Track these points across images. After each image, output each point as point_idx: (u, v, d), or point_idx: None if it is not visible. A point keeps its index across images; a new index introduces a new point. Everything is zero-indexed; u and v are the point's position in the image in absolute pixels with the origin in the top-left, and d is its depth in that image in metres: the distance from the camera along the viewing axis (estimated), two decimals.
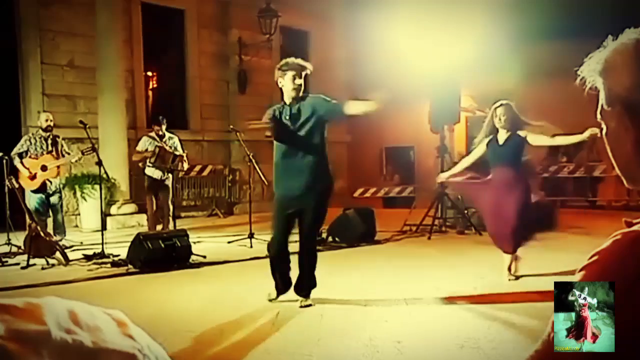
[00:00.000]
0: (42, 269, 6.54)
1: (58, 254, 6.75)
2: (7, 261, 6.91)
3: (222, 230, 9.66)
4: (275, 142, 4.81)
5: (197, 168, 12.36)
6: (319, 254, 5.01)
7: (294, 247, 4.92)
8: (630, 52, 0.89)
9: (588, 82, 0.94)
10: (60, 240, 7.54)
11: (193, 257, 6.85)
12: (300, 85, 4.73)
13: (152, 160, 7.99)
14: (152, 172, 8.06)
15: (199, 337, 4.12)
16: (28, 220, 6.97)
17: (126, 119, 10.87)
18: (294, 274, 4.92)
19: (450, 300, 5.04)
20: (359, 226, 8.24)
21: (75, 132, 9.03)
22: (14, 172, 7.54)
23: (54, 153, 7.73)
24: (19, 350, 0.60)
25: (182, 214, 11.45)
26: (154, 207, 8.24)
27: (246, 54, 13.06)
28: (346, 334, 4.14)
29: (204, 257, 7.02)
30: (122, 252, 6.88)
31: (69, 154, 7.94)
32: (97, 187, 9.30)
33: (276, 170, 4.84)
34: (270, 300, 4.96)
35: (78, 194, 10.23)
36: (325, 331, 4.21)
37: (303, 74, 4.74)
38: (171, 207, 8.19)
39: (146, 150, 8.08)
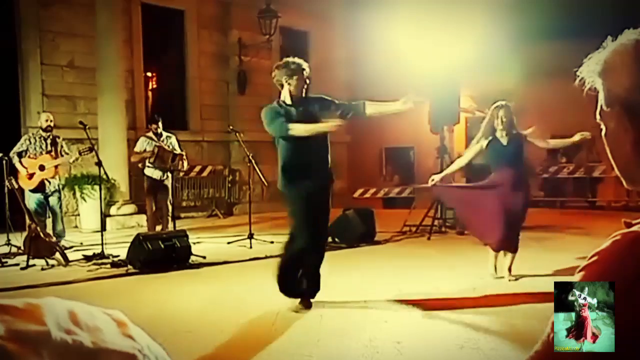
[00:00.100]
0: (42, 269, 6.54)
1: (58, 255, 6.76)
2: (6, 262, 6.91)
3: (222, 231, 9.66)
4: (283, 141, 4.65)
5: (197, 168, 12.36)
6: None
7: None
8: (629, 52, 0.89)
9: (587, 83, 0.94)
10: (60, 240, 7.53)
11: (193, 258, 6.85)
12: (308, 83, 4.74)
13: (151, 160, 7.97)
14: (152, 172, 8.05)
15: (199, 337, 4.12)
16: (28, 221, 6.96)
17: (126, 119, 10.87)
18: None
19: (450, 300, 5.04)
20: (358, 227, 8.25)
21: (75, 133, 9.03)
22: (14, 172, 7.54)
23: (52, 153, 7.72)
24: (18, 351, 0.60)
25: (182, 215, 11.45)
26: (154, 208, 8.23)
27: (246, 54, 13.06)
28: (346, 334, 4.14)
29: (204, 257, 7.02)
30: (122, 253, 6.88)
31: (68, 154, 7.94)
32: (96, 187, 9.29)
33: (292, 168, 4.66)
34: (297, 312, 4.69)
35: (78, 194, 10.23)
36: (325, 332, 4.21)
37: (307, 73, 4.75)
38: (170, 208, 8.18)
39: (144, 150, 8.05)
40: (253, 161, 7.84)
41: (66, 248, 7.34)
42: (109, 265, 6.68)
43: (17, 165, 7.61)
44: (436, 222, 9.27)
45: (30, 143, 7.72)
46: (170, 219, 8.10)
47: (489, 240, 5.73)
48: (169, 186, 8.21)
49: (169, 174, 8.13)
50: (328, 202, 4.78)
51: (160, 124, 8.18)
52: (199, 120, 12.83)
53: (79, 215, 10.44)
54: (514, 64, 12.75)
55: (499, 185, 5.58)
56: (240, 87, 13.07)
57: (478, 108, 12.38)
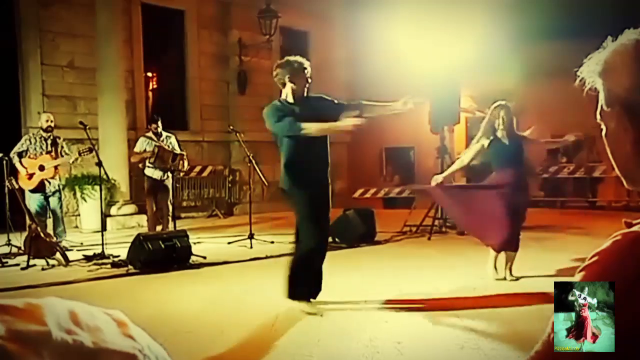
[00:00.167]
0: (42, 269, 6.54)
1: (58, 255, 6.76)
2: (7, 262, 6.91)
3: (222, 231, 9.65)
4: (289, 140, 4.59)
5: (197, 169, 12.36)
6: None
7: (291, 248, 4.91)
8: (629, 53, 0.89)
9: (587, 83, 0.94)
10: (60, 241, 7.54)
11: (193, 258, 6.85)
12: (310, 82, 4.74)
13: (152, 160, 7.97)
14: (152, 172, 8.05)
15: (199, 338, 4.12)
16: (28, 221, 6.97)
17: (126, 119, 10.87)
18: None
19: (451, 300, 5.04)
20: (359, 227, 8.25)
21: (75, 133, 9.03)
22: (14, 173, 7.55)
23: (52, 153, 7.73)
24: (19, 351, 0.60)
25: (182, 215, 11.45)
26: (154, 208, 8.23)
27: (246, 54, 13.06)
28: (346, 334, 4.14)
29: (204, 257, 7.02)
30: (122, 253, 6.88)
31: (68, 154, 7.94)
32: (97, 187, 9.30)
33: (297, 167, 4.62)
34: (310, 313, 4.62)
35: (78, 194, 10.23)
36: (325, 332, 4.21)
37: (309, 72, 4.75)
38: (171, 208, 8.18)
39: (144, 150, 8.05)
40: (253, 161, 7.83)
41: (66, 248, 7.34)
42: (109, 266, 6.68)
43: (17, 165, 7.62)
44: (436, 222, 9.27)
45: (31, 143, 7.72)
46: (170, 219, 8.11)
47: (491, 242, 5.70)
48: (170, 186, 8.21)
49: (169, 174, 8.13)
50: (329, 202, 4.79)
51: (159, 123, 8.18)
52: (199, 120, 12.83)
53: (79, 215, 10.44)
54: (514, 64, 12.75)
55: (501, 185, 5.57)
56: (240, 87, 13.08)
57: (478, 108, 12.38)
